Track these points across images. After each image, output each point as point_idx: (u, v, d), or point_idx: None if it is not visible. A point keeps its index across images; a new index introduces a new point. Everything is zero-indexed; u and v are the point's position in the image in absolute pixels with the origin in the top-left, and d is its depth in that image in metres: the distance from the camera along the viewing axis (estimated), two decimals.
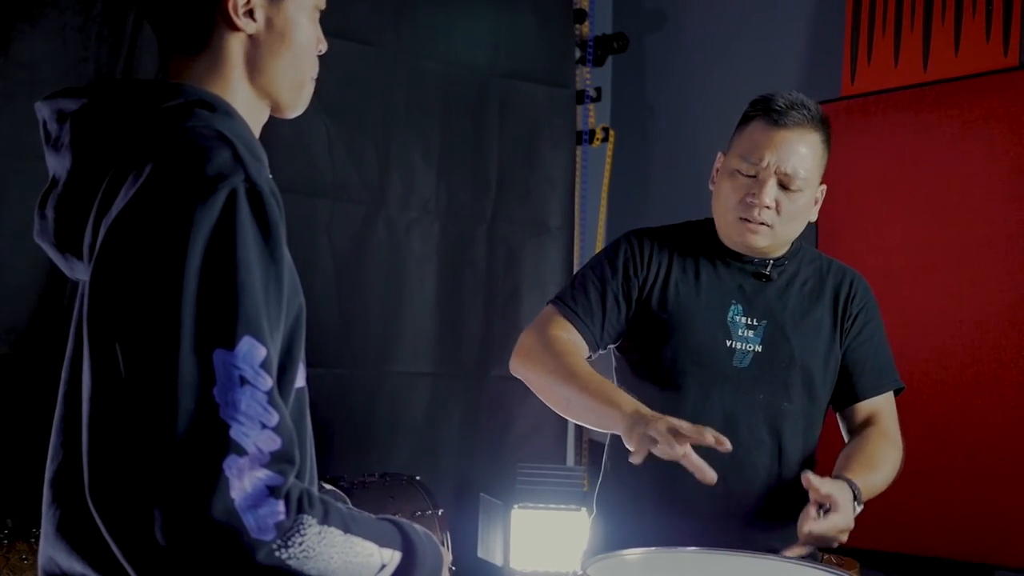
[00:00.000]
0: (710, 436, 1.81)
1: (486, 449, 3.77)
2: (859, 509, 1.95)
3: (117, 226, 1.20)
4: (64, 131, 1.32)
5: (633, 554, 1.82)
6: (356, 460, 3.42)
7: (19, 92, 2.83)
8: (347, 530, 1.22)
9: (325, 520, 1.19)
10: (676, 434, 1.81)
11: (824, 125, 2.13)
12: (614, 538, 2.13)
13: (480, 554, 3.45)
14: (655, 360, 2.15)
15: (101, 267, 1.20)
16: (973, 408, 3.25)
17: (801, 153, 2.07)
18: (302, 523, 1.15)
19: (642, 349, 2.19)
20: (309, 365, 3.83)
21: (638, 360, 2.20)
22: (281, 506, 1.13)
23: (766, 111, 2.09)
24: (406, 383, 3.64)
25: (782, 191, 2.08)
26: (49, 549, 1.29)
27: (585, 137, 4.15)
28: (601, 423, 2.00)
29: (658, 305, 2.15)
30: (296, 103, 1.45)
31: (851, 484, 1.95)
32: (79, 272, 1.33)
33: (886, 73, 3.52)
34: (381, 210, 3.58)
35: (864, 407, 2.20)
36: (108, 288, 1.19)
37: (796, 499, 2.16)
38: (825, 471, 2.28)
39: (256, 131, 1.41)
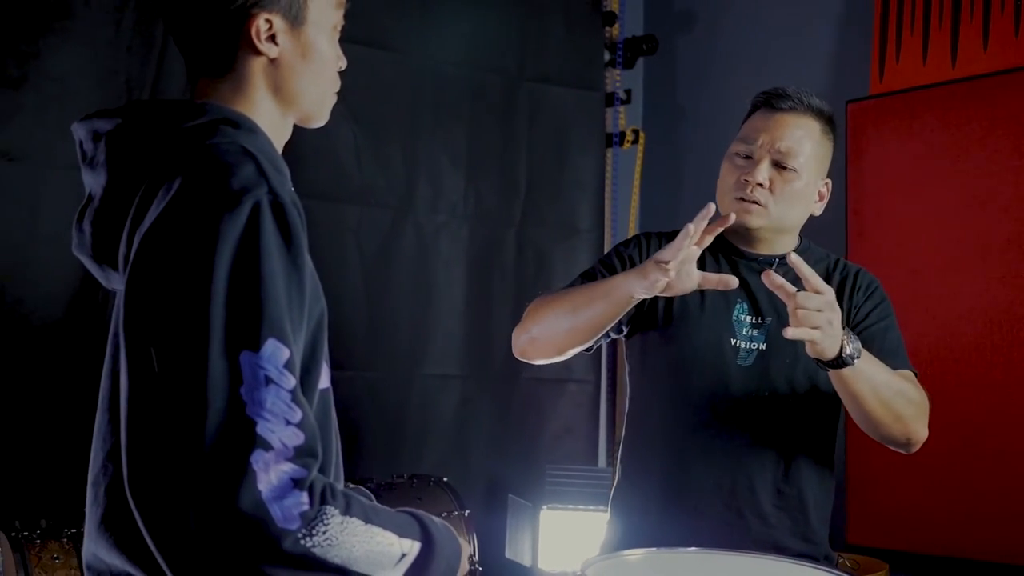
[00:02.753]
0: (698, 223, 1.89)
1: (516, 451, 3.79)
2: (850, 350, 1.90)
3: (149, 237, 1.28)
4: (99, 150, 1.41)
5: (634, 555, 1.83)
6: (387, 462, 3.46)
7: (51, 104, 2.91)
8: (368, 520, 1.28)
9: (347, 511, 1.25)
10: (674, 253, 1.89)
11: (825, 117, 2.16)
12: (625, 540, 2.15)
13: (508, 555, 3.48)
14: (662, 360, 2.18)
15: (135, 276, 1.29)
16: (1003, 406, 3.21)
17: (796, 135, 2.12)
18: (325, 513, 1.22)
19: (650, 348, 2.21)
20: (339, 368, 3.86)
21: (646, 359, 2.23)
22: (305, 497, 1.20)
23: (766, 100, 2.16)
24: (436, 385, 3.67)
25: (776, 171, 2.11)
26: (92, 545, 1.37)
27: (615, 139, 4.16)
28: (610, 299, 2.00)
29: (665, 306, 2.17)
30: (320, 115, 1.53)
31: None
32: (115, 282, 1.41)
33: (915, 71, 3.49)
34: (409, 214, 3.62)
35: None
36: (142, 296, 1.27)
37: (808, 497, 2.16)
38: (845, 473, 2.27)
39: (280, 146, 1.49)
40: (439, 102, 3.69)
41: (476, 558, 3.11)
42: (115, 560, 1.33)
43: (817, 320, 1.86)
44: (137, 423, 1.25)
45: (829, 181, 2.21)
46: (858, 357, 1.92)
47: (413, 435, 3.60)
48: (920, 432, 2.10)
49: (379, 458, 3.47)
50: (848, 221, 3.58)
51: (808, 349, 1.90)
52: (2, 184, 2.90)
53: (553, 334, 2.10)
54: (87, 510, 1.38)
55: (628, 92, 4.19)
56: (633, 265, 2.19)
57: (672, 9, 4.35)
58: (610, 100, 4.15)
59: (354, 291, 3.50)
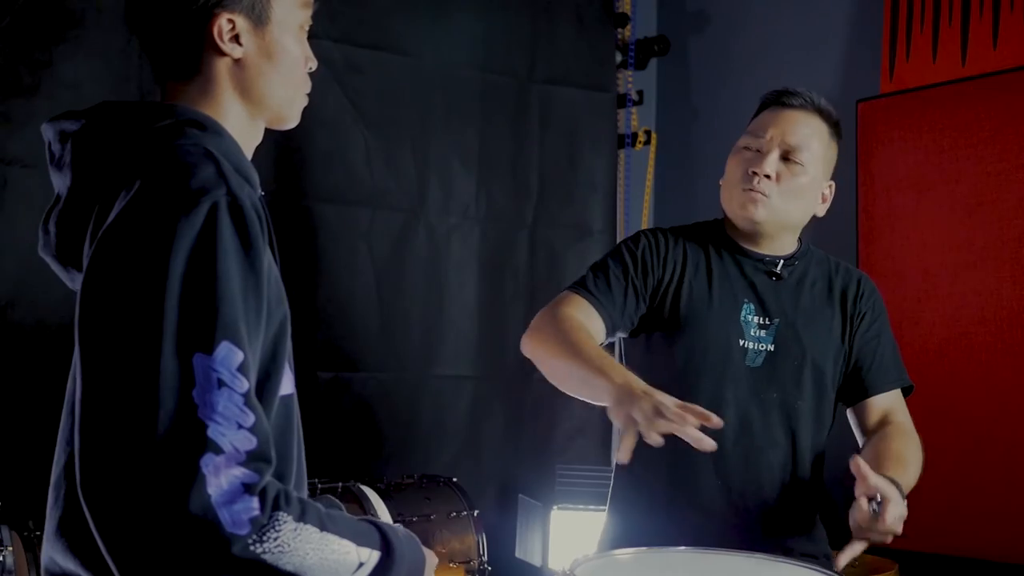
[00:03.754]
0: (694, 418, 1.75)
1: (527, 451, 3.81)
2: (905, 505, 1.91)
3: (106, 237, 1.26)
4: (65, 151, 1.40)
5: (624, 554, 1.84)
6: (399, 462, 3.48)
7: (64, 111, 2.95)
8: (324, 528, 1.26)
9: (301, 518, 1.23)
10: (660, 414, 1.76)
11: (831, 118, 2.20)
12: (626, 537, 2.15)
13: (518, 554, 3.49)
14: (669, 360, 2.17)
15: (91, 275, 1.27)
16: (1013, 406, 3.19)
17: (805, 132, 2.15)
18: (277, 519, 1.20)
19: (656, 348, 2.21)
20: (352, 369, 3.87)
21: (652, 360, 2.22)
22: (256, 503, 1.18)
23: (775, 98, 2.20)
24: (448, 386, 3.69)
25: (783, 164, 2.13)
26: (49, 549, 1.36)
27: (628, 140, 4.17)
28: (593, 394, 1.96)
29: (671, 304, 2.17)
30: (290, 117, 1.53)
31: (892, 480, 1.92)
32: (79, 284, 1.37)
33: (925, 69, 3.48)
34: (421, 217, 3.64)
35: (877, 406, 2.20)
36: (97, 295, 1.25)
37: (810, 497, 2.17)
38: (833, 469, 2.27)
39: (250, 149, 1.48)
40: (450, 105, 3.71)
41: (485, 558, 3.13)
42: (69, 564, 1.31)
43: (899, 528, 1.86)
44: (90, 424, 1.22)
45: (833, 184, 2.23)
46: (904, 497, 1.92)
47: (425, 436, 3.63)
48: None
49: (391, 458, 3.50)
50: (859, 221, 3.57)
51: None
52: (18, 190, 2.95)
53: (548, 370, 2.12)
54: (47, 513, 1.37)
55: (640, 93, 4.19)
56: (645, 266, 2.19)
57: (685, 10, 4.35)
58: (622, 101, 4.16)
59: (366, 294, 3.53)
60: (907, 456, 2.09)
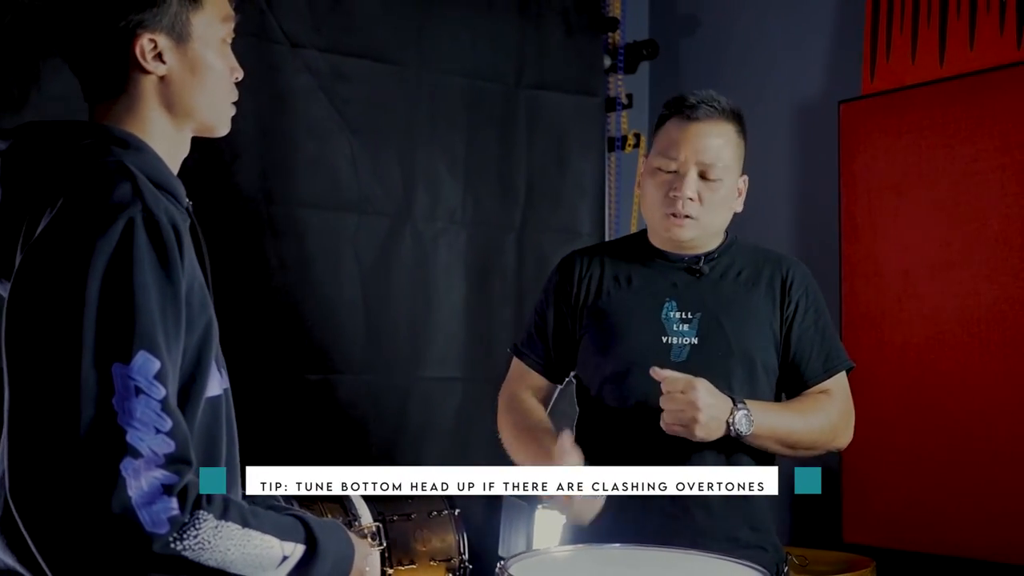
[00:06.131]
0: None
1: None
2: (744, 430, 2.03)
3: (31, 252, 1.35)
4: None
5: (560, 551, 1.89)
6: (387, 464, 3.54)
7: None
8: (246, 524, 1.34)
9: (223, 516, 1.31)
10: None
11: (736, 117, 2.22)
12: (579, 538, 2.20)
13: (501, 552, 3.54)
14: (603, 365, 2.23)
15: (16, 289, 1.35)
16: (992, 405, 3.21)
17: (717, 144, 2.17)
18: (198, 518, 1.29)
19: (587, 357, 2.28)
20: (336, 372, 3.89)
21: (586, 368, 2.30)
22: (174, 503, 1.27)
23: (679, 108, 2.20)
24: (436, 388, 3.73)
25: (703, 182, 2.17)
26: None
27: (618, 143, 4.21)
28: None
29: (592, 317, 2.24)
30: (219, 126, 1.60)
31: (734, 399, 2.04)
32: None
33: (904, 70, 3.50)
34: (407, 222, 3.69)
35: (815, 391, 2.23)
36: (21, 308, 1.33)
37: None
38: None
39: (177, 160, 1.56)
40: (436, 112, 3.75)
41: (466, 556, 3.18)
42: (8, 559, 1.39)
43: (680, 419, 2.00)
44: (16, 430, 1.30)
45: (746, 177, 2.27)
46: (747, 431, 2.03)
47: (413, 437, 3.67)
48: (839, 443, 2.22)
49: (379, 459, 3.54)
50: (841, 221, 3.60)
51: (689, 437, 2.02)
52: None
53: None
54: None
55: (630, 96, 4.23)
56: (558, 301, 2.32)
57: (675, 13, 4.39)
58: (612, 105, 4.20)
59: (353, 297, 3.57)
60: (805, 406, 2.17)
